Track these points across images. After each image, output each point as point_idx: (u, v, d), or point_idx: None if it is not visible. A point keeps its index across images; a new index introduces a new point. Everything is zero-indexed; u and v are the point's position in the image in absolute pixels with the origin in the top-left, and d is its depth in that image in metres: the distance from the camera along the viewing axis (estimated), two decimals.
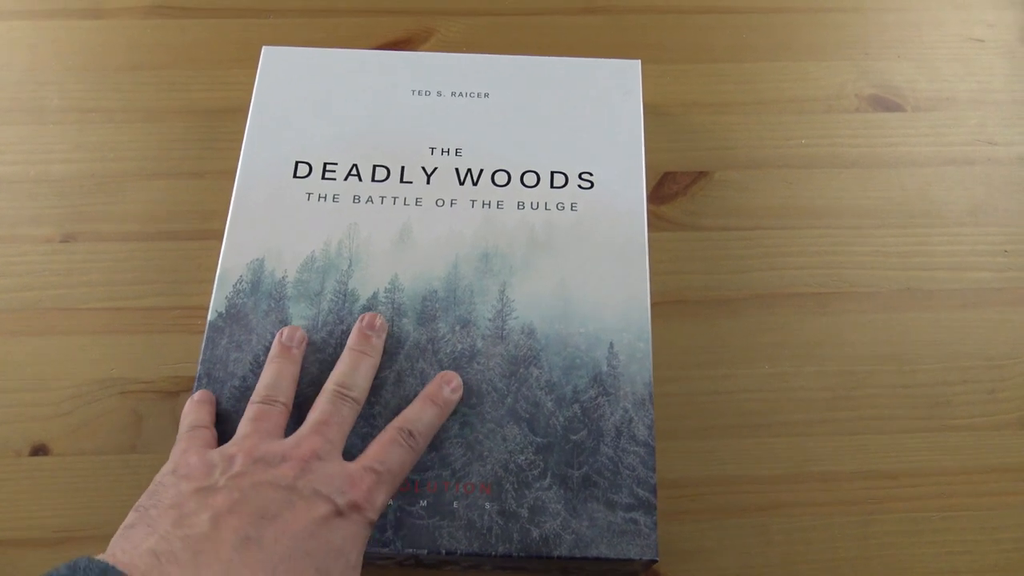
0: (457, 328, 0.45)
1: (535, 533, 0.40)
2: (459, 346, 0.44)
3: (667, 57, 0.59)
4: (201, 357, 0.44)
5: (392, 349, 0.44)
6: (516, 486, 0.41)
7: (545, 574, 0.43)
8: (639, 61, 0.53)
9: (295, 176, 0.48)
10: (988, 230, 0.53)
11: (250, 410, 0.41)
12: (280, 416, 0.40)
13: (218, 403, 0.43)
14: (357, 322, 0.44)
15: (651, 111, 0.56)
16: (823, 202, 0.54)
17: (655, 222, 0.53)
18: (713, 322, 0.50)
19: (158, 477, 0.37)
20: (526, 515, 0.40)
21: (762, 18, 0.61)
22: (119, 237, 0.52)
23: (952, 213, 0.54)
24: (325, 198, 0.48)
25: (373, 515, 0.37)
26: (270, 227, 0.47)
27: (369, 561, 0.39)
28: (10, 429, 0.47)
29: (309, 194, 0.48)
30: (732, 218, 0.54)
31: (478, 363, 0.44)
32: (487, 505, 0.41)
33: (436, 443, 0.42)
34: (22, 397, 0.47)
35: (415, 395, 0.43)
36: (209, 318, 0.45)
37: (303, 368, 0.43)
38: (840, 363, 0.49)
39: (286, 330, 0.44)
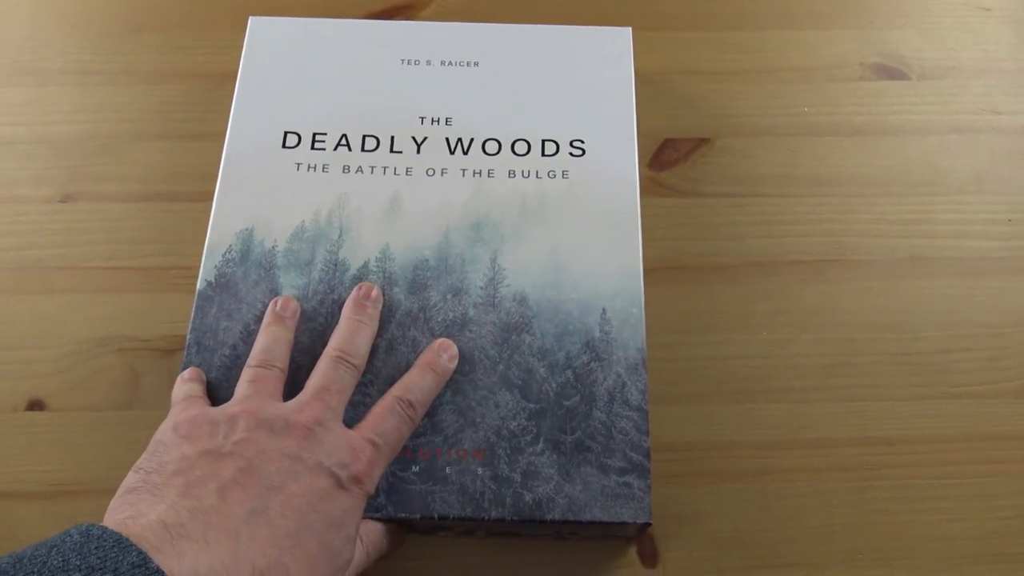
0: (449, 296, 0.43)
1: (528, 497, 0.39)
2: (451, 314, 0.43)
3: (670, 24, 0.57)
4: (190, 326, 0.42)
5: (384, 318, 0.42)
6: (509, 452, 0.39)
7: (538, 540, 0.42)
8: (630, 28, 0.50)
9: (284, 146, 0.47)
10: (992, 199, 0.51)
11: (247, 373, 0.39)
12: (278, 380, 0.39)
13: (208, 372, 0.41)
14: (354, 291, 0.42)
15: (652, 78, 0.54)
16: (825, 170, 0.52)
17: (655, 188, 0.51)
18: (712, 288, 0.48)
19: (157, 435, 0.36)
20: (519, 480, 0.39)
21: None
22: (119, 198, 0.50)
23: (956, 182, 0.52)
24: (315, 168, 0.46)
25: (371, 488, 0.36)
26: (259, 197, 0.45)
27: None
28: (7, 385, 0.45)
29: (298, 164, 0.46)
30: (733, 185, 0.51)
31: (470, 331, 0.42)
32: (479, 470, 0.39)
33: (429, 410, 0.40)
34: (20, 354, 0.46)
35: (407, 364, 0.41)
36: (198, 287, 0.43)
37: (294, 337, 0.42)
38: (839, 330, 0.47)
39: (280, 300, 0.42)
